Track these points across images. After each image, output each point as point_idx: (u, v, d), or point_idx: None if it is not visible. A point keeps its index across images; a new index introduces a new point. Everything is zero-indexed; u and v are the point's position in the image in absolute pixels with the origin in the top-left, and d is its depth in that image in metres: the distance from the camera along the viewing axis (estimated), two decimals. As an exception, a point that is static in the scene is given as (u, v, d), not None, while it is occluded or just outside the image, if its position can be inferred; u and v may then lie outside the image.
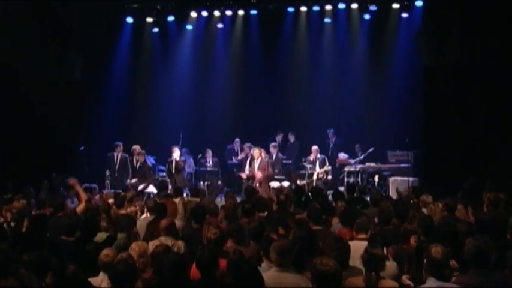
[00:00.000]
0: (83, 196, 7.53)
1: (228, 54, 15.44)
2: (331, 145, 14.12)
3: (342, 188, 11.63)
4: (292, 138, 14.36)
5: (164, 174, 13.18)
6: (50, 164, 12.61)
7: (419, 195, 7.91)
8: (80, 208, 7.24)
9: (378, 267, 4.35)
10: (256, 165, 12.40)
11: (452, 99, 11.78)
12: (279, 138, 14.32)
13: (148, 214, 7.74)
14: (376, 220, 6.48)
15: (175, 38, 15.37)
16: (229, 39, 15.38)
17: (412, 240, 5.50)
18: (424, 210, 7.12)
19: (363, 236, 5.49)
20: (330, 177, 13.06)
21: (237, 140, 14.13)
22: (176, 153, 12.52)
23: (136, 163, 12.80)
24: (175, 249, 5.45)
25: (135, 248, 4.90)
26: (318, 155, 13.12)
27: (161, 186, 11.04)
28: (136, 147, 12.97)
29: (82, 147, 13.27)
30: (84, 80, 13.83)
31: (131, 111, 15.14)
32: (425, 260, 4.22)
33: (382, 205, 6.69)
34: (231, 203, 7.52)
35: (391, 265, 4.89)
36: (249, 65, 15.21)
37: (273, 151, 13.36)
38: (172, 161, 12.50)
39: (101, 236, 6.03)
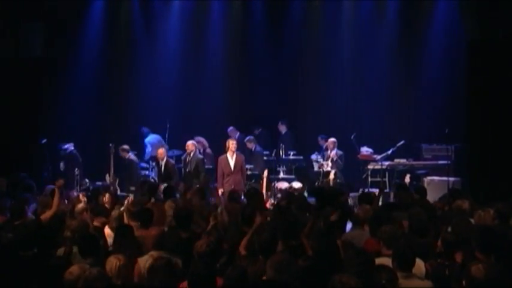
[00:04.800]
0: (56, 203, 7.63)
1: (224, 30, 15.34)
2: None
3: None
4: (283, 129, 14.36)
5: (147, 172, 13.20)
6: (4, 161, 12.57)
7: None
8: (47, 215, 7.33)
9: None
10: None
11: (503, 81, 11.77)
12: (257, 132, 14.38)
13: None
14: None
15: (160, 9, 15.33)
16: (226, 12, 15.31)
17: (458, 257, 5.45)
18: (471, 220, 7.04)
19: (390, 252, 5.42)
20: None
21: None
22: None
23: None
24: None
25: (113, 261, 4.92)
26: (336, 151, 13.04)
27: (151, 188, 10.03)
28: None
29: (44, 140, 13.26)
30: (47, 58, 13.85)
31: (105, 96, 15.12)
32: (463, 281, 4.25)
33: (412, 212, 6.67)
34: (238, 208, 7.47)
35: (424, 284, 4.90)
36: (250, 42, 15.18)
37: (251, 146, 13.32)
38: (159, 161, 12.54)
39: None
